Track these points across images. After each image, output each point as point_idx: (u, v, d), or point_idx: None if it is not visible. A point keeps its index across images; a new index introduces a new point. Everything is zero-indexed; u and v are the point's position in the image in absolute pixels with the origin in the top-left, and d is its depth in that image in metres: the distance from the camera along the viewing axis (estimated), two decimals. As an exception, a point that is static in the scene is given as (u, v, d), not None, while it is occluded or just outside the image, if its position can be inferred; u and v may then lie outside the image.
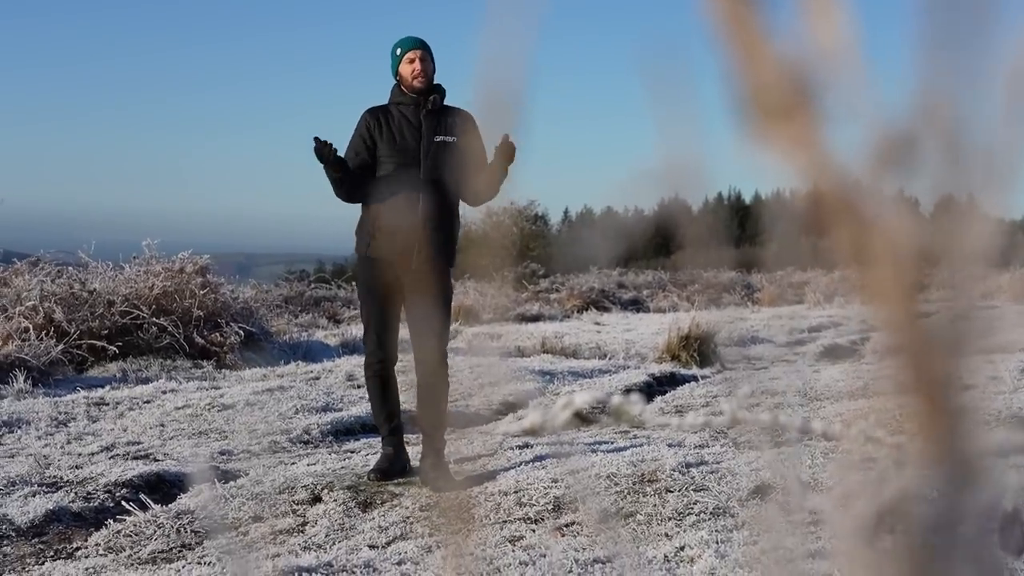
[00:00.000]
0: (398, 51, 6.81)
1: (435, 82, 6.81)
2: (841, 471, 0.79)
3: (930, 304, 0.72)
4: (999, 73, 0.69)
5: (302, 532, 5.86)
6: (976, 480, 0.73)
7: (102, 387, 10.97)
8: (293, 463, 7.44)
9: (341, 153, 6.71)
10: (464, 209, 6.97)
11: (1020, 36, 0.68)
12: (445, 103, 6.77)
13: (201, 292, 14.38)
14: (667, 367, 13.24)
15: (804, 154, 0.68)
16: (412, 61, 6.73)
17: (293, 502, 6.34)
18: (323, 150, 6.54)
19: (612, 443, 7.59)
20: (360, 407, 9.63)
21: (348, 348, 15.74)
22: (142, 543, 5.76)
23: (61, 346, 12.32)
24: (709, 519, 5.46)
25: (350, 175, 6.67)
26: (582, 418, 0.83)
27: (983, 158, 0.69)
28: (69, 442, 8.25)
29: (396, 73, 6.82)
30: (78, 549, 5.79)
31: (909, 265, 0.69)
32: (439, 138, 6.64)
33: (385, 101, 6.87)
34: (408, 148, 6.66)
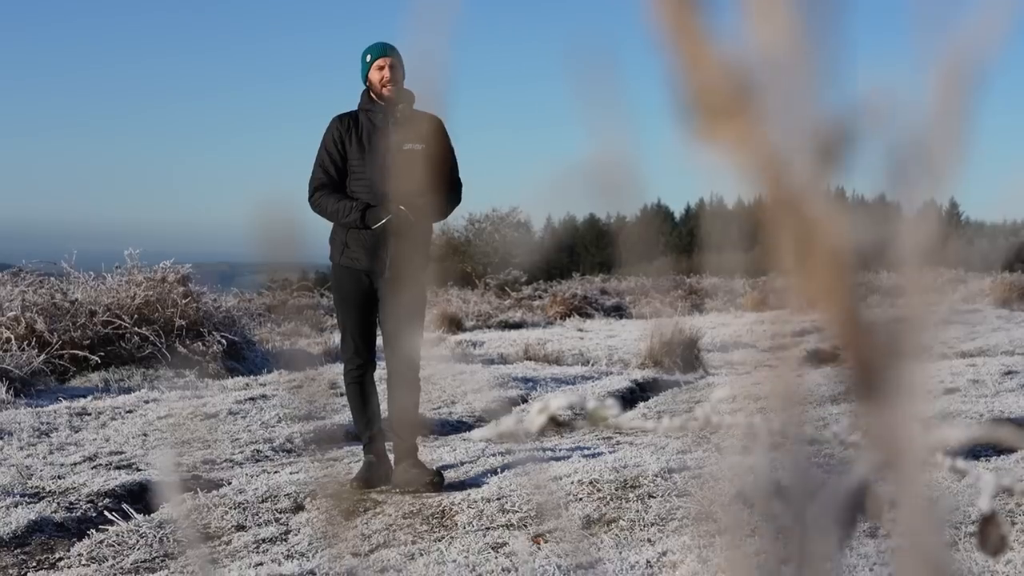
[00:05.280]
0: (368, 57, 6.85)
1: (405, 87, 6.82)
2: (815, 475, 0.80)
3: (898, 308, 0.73)
4: (935, 69, 0.69)
5: (285, 540, 5.85)
6: (929, 482, 0.73)
7: (84, 397, 10.94)
8: (276, 471, 7.43)
9: (311, 159, 6.83)
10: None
11: (954, 32, 0.69)
12: (415, 107, 6.78)
13: (183, 301, 14.35)
14: (650, 373, 13.26)
15: (746, 153, 0.69)
16: (381, 68, 6.77)
17: (276, 510, 6.33)
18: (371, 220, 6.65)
19: (594, 448, 7.60)
20: (343, 415, 9.61)
21: (331, 356, 15.72)
22: (125, 553, 5.75)
23: (43, 356, 12.28)
24: (692, 524, 5.47)
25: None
26: (558, 423, 0.84)
27: (921, 155, 0.70)
28: (51, 452, 8.23)
29: (366, 79, 6.86)
30: (60, 559, 5.78)
31: (851, 265, 0.69)
32: (408, 146, 6.64)
33: (356, 106, 6.92)
34: (377, 156, 6.69)
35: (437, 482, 6.55)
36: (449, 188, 6.82)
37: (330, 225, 6.85)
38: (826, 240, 0.69)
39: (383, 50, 6.82)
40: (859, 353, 0.71)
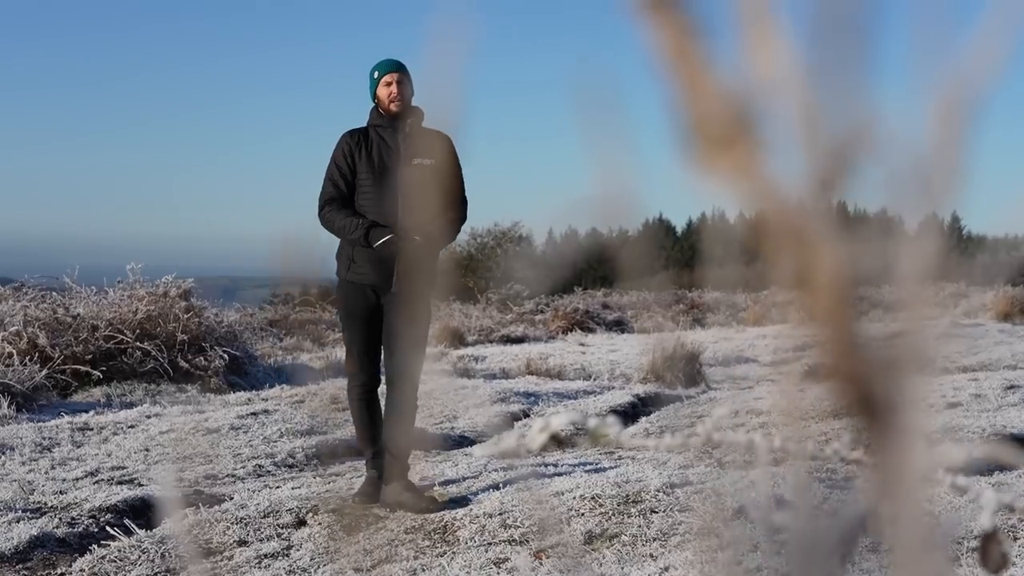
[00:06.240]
0: (376, 74, 6.84)
1: (413, 104, 6.83)
2: (817, 490, 0.80)
3: (900, 322, 0.73)
4: (934, 96, 0.70)
5: (287, 556, 5.85)
6: (925, 498, 0.74)
7: (86, 412, 10.93)
8: (278, 487, 7.43)
9: (317, 172, 6.86)
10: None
11: (954, 59, 0.69)
12: (424, 125, 6.78)
13: (185, 316, 14.35)
14: (651, 387, 13.26)
15: (746, 180, 0.69)
16: (389, 84, 6.76)
17: (278, 526, 6.32)
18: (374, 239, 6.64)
19: (596, 463, 7.59)
20: (345, 430, 9.62)
21: (333, 371, 15.72)
22: (127, 568, 5.74)
23: (45, 371, 12.27)
24: (694, 539, 5.47)
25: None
26: (560, 441, 0.84)
27: (920, 183, 0.70)
28: (53, 467, 8.22)
29: (374, 96, 6.85)
30: (62, 575, 5.78)
31: (850, 286, 0.70)
32: (416, 160, 6.65)
33: (365, 122, 6.91)
34: (386, 171, 6.69)
35: (431, 509, 6.49)
36: (456, 207, 6.81)
37: (337, 240, 6.85)
38: (824, 267, 0.69)
39: (390, 66, 6.82)
40: (860, 369, 0.72)
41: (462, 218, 6.90)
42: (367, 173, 6.72)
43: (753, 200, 0.69)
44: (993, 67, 0.68)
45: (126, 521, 6.51)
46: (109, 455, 8.81)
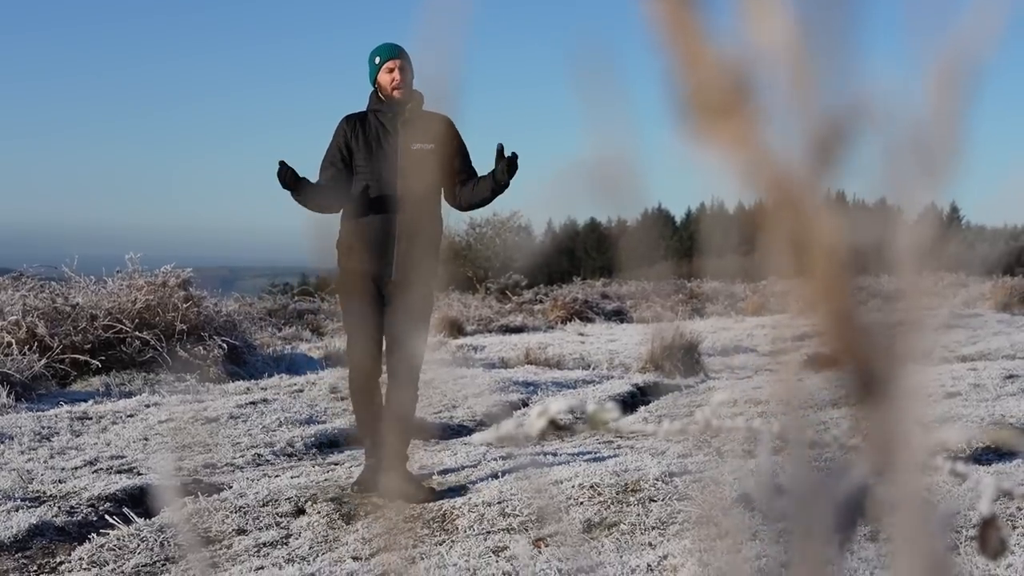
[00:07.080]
0: (377, 59, 6.78)
1: (414, 88, 6.78)
2: (815, 478, 0.80)
3: (898, 311, 0.73)
4: (932, 68, 0.70)
5: (286, 544, 5.85)
6: (924, 485, 0.73)
7: (85, 401, 10.93)
8: (277, 476, 7.42)
9: (317, 163, 6.76)
10: (447, 219, 6.93)
11: (950, 31, 0.69)
12: (424, 108, 6.73)
13: (184, 306, 14.34)
14: (651, 377, 13.25)
15: (744, 150, 0.69)
16: (391, 71, 6.70)
17: (277, 514, 6.33)
18: (284, 176, 6.53)
19: (595, 453, 7.59)
20: (344, 419, 9.62)
21: (332, 360, 15.70)
22: (126, 557, 5.74)
23: (44, 360, 12.27)
24: (693, 528, 5.47)
25: (316, 192, 6.65)
26: (559, 427, 0.84)
27: (918, 154, 0.70)
28: (52, 456, 8.22)
29: (374, 81, 6.80)
30: (62, 564, 5.78)
31: (849, 264, 0.69)
32: (416, 146, 6.60)
33: (364, 108, 6.86)
34: (385, 157, 6.63)
35: (430, 498, 6.48)
36: (463, 185, 6.77)
37: (338, 228, 6.79)
38: (823, 238, 0.69)
39: (392, 51, 6.75)
40: (858, 355, 0.71)
41: (472, 189, 6.79)
42: (364, 157, 6.66)
43: (751, 170, 0.69)
44: (991, 36, 0.68)
45: (125, 510, 6.51)
46: (108, 444, 8.81)
